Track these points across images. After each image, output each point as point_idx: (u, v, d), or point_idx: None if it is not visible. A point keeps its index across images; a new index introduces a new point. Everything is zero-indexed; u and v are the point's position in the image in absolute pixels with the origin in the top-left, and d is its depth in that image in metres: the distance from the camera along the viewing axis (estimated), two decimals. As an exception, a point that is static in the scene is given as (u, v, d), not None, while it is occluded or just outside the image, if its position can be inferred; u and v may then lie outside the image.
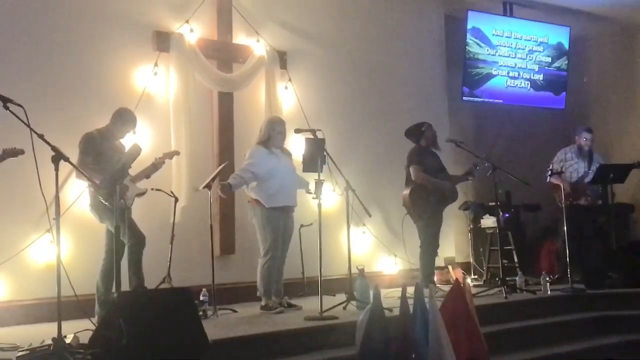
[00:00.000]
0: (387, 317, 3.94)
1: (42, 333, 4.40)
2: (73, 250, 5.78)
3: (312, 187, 5.74)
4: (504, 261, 6.87)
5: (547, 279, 6.66)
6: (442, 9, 8.96)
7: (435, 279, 6.96)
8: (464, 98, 8.94)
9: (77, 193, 5.89)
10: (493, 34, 9.09)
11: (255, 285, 5.78)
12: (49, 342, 3.98)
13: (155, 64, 6.55)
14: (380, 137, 8.01)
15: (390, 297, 5.69)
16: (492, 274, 7.92)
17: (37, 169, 4.02)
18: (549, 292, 6.53)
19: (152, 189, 5.74)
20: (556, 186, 7.24)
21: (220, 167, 6.14)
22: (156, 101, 6.59)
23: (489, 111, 9.36)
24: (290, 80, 7.39)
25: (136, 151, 5.11)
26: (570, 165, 7.58)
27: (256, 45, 7.18)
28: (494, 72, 9.14)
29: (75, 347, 4.01)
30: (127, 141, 5.61)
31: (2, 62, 5.80)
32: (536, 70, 9.52)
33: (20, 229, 5.72)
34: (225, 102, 6.96)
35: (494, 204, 7.17)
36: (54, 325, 4.00)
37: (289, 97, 7.38)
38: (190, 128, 6.60)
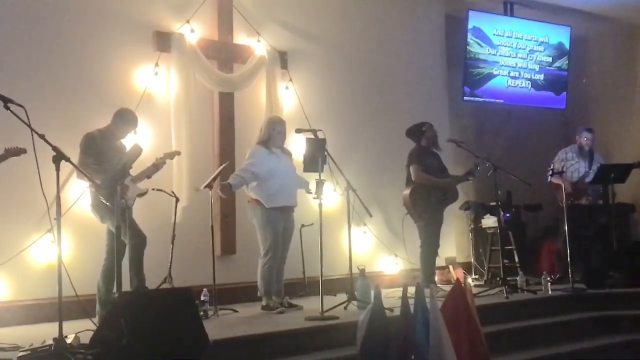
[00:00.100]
0: (387, 317, 3.94)
1: (43, 333, 4.40)
2: (74, 250, 5.78)
3: (312, 187, 5.75)
4: (505, 261, 6.87)
5: (548, 278, 6.67)
6: (443, 8, 8.95)
7: (436, 279, 6.96)
8: (465, 98, 8.93)
9: (78, 193, 5.89)
10: (494, 34, 9.09)
11: (256, 285, 5.78)
12: (50, 342, 3.99)
13: (156, 64, 6.55)
14: (381, 137, 8.01)
15: (391, 297, 5.68)
16: (493, 273, 7.91)
17: (38, 169, 4.03)
18: (549, 292, 6.53)
19: (153, 189, 5.74)
20: (557, 186, 7.24)
21: (221, 167, 6.14)
22: (157, 101, 6.59)
23: (490, 111, 9.36)
24: (291, 80, 7.39)
25: (137, 151, 5.13)
26: (571, 165, 7.59)
27: (257, 45, 7.18)
28: (495, 72, 9.14)
29: (76, 347, 4.01)
30: (128, 141, 5.61)
31: (3, 62, 5.80)
32: (537, 70, 9.51)
33: (21, 229, 5.72)
34: (226, 103, 6.96)
35: (494, 203, 7.16)
36: (55, 325, 4.01)
37: (289, 97, 7.38)
38: (191, 128, 6.60)
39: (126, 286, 5.11)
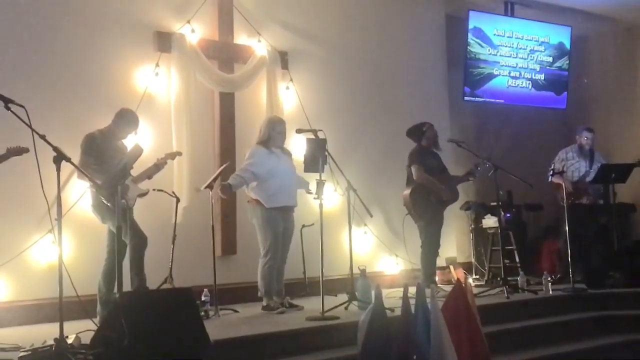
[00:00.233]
0: (388, 317, 3.93)
1: (44, 333, 4.40)
2: (75, 250, 5.78)
3: (312, 187, 5.75)
4: (506, 261, 6.86)
5: (549, 278, 6.67)
6: (443, 8, 8.95)
7: (437, 279, 6.96)
8: (465, 98, 8.93)
9: (79, 193, 5.90)
10: (494, 34, 9.08)
11: (256, 285, 5.78)
12: (51, 342, 3.99)
13: (157, 65, 6.55)
14: (381, 137, 8.01)
15: (392, 297, 5.69)
16: (494, 274, 7.91)
17: (38, 169, 4.04)
18: (550, 292, 6.53)
19: (154, 190, 5.73)
20: (558, 186, 7.23)
21: (222, 167, 6.14)
22: (157, 102, 6.59)
23: (490, 111, 9.36)
24: (291, 80, 7.39)
25: (138, 152, 5.13)
26: (571, 165, 7.60)
27: (257, 45, 7.18)
28: (495, 72, 9.14)
29: (77, 348, 4.01)
30: (129, 142, 5.61)
31: (3, 62, 5.80)
32: (537, 70, 9.51)
33: (22, 230, 5.72)
34: (227, 103, 6.96)
35: (495, 203, 7.16)
36: (56, 325, 4.01)
37: (290, 97, 7.38)
38: (191, 128, 6.61)
39: (127, 286, 5.11)
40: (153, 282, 5.56)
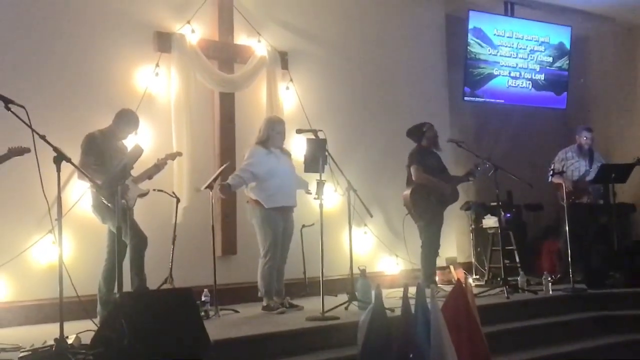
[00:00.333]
0: (388, 317, 3.93)
1: (44, 334, 4.40)
2: (75, 250, 5.79)
3: (312, 187, 5.75)
4: (506, 261, 6.86)
5: (549, 278, 6.67)
6: (443, 8, 8.95)
7: (437, 279, 6.96)
8: (465, 98, 8.93)
9: (79, 194, 5.90)
10: (494, 34, 9.09)
11: (257, 285, 5.78)
12: (51, 342, 4.00)
13: (157, 65, 6.55)
14: (382, 137, 8.01)
15: (392, 298, 5.69)
16: (494, 274, 7.91)
17: (39, 169, 4.04)
18: (550, 292, 6.54)
19: (154, 190, 5.74)
20: (558, 185, 7.23)
21: (222, 167, 6.14)
22: (157, 102, 6.59)
23: (490, 111, 9.36)
24: (291, 80, 7.39)
25: (138, 152, 5.13)
26: (571, 164, 7.59)
27: (257, 45, 7.18)
28: (495, 72, 9.14)
29: (77, 348, 4.02)
30: (129, 142, 5.61)
31: (3, 62, 5.80)
32: (537, 70, 9.51)
33: (22, 230, 5.72)
34: (227, 103, 6.96)
35: (495, 203, 7.15)
36: (56, 325, 4.01)
37: (290, 97, 7.38)
38: (191, 129, 6.61)
39: (127, 286, 5.11)
40: (153, 282, 5.56)
